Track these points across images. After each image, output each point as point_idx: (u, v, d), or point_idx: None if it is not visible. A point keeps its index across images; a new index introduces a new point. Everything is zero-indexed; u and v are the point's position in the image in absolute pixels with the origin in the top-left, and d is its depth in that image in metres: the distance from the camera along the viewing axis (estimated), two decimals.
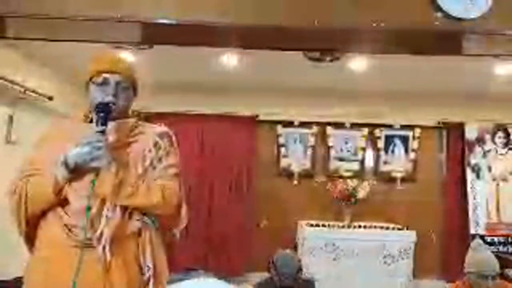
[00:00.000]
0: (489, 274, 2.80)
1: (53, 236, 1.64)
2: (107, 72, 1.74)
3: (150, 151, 1.75)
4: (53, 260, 1.61)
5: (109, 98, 1.71)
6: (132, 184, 1.64)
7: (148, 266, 1.66)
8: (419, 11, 2.53)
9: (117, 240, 1.61)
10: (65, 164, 1.60)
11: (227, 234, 5.53)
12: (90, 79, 1.76)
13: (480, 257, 2.88)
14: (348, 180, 5.49)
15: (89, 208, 1.59)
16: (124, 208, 1.65)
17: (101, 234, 1.59)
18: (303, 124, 5.79)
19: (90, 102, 1.76)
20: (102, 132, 1.62)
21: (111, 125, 1.70)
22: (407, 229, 5.13)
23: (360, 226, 5.18)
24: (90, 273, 1.56)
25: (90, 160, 1.58)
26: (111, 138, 1.70)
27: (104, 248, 1.58)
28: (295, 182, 5.73)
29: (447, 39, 2.76)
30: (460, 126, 5.62)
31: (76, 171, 1.62)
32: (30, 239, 1.74)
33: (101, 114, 1.65)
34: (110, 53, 1.84)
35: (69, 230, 1.61)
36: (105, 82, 1.74)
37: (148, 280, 1.66)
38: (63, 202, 1.64)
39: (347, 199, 5.35)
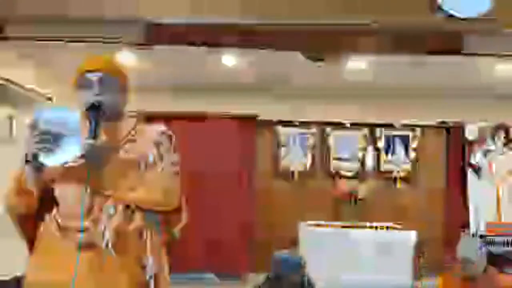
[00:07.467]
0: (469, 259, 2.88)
1: (51, 237, 1.64)
2: (87, 72, 1.68)
3: (150, 150, 1.74)
4: (52, 260, 1.61)
5: (95, 98, 1.65)
6: (132, 182, 1.63)
7: (148, 266, 1.65)
8: (419, 11, 2.53)
9: (117, 239, 1.61)
10: (26, 161, 1.52)
11: (227, 234, 5.52)
12: (75, 82, 1.72)
13: (464, 243, 3.03)
14: (348, 180, 5.49)
15: (83, 209, 1.58)
16: (125, 207, 1.64)
17: (103, 233, 1.58)
18: (303, 124, 5.79)
19: (80, 104, 1.72)
20: (94, 138, 1.55)
21: (106, 125, 1.69)
22: (407, 229, 5.13)
23: (360, 226, 5.17)
24: (89, 273, 1.56)
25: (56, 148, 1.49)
26: (107, 138, 1.69)
27: (105, 247, 1.57)
28: (295, 182, 5.73)
29: (447, 39, 2.77)
30: (460, 126, 5.63)
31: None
32: (29, 239, 1.73)
33: (92, 119, 1.59)
34: (92, 54, 1.78)
35: (67, 230, 1.61)
36: (87, 83, 1.68)
37: (149, 279, 1.65)
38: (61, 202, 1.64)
39: (347, 199, 5.35)
